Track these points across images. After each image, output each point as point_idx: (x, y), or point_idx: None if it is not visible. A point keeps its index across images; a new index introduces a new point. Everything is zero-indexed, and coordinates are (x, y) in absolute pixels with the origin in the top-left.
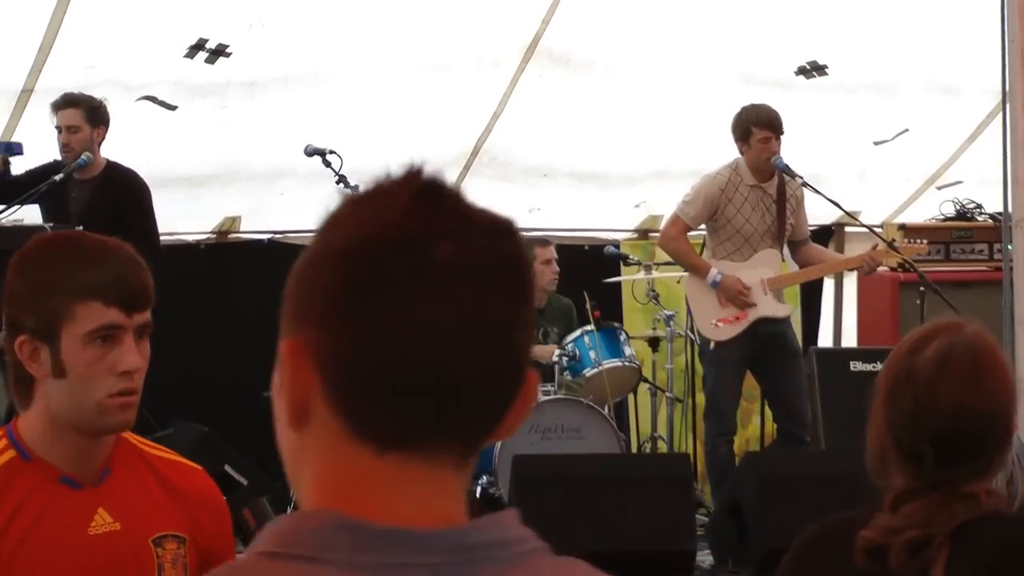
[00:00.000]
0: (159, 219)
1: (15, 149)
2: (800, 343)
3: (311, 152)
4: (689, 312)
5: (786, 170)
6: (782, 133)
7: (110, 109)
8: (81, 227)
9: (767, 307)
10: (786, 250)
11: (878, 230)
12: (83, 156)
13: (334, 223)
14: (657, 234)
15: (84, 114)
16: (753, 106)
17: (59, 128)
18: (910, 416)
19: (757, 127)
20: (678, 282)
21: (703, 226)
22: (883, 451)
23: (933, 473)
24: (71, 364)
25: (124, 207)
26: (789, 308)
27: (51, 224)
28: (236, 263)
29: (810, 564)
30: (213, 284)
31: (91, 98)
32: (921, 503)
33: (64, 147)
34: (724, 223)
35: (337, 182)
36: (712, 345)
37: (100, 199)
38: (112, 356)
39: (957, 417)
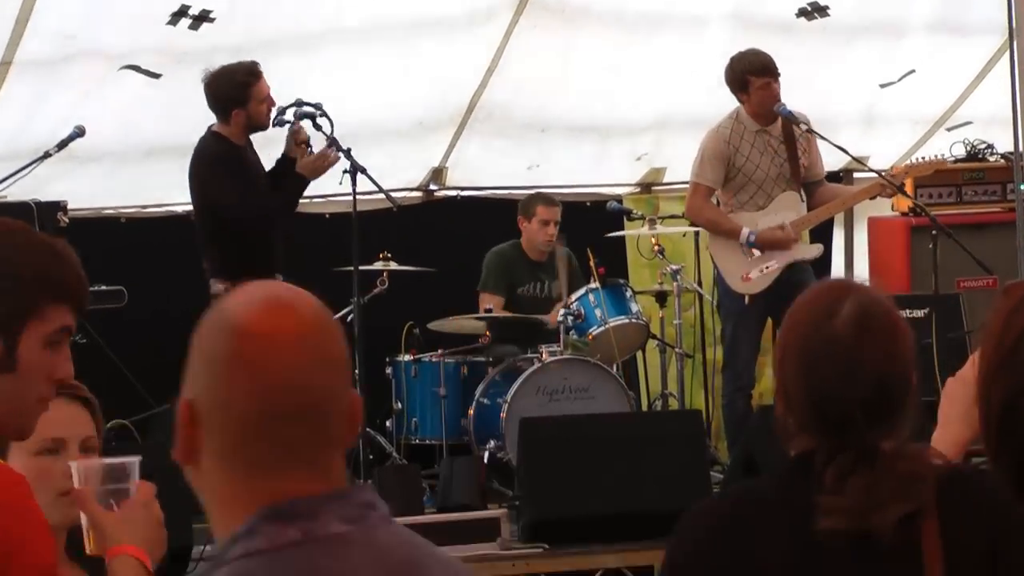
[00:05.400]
0: (146, 190)
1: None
2: None
3: (300, 115)
4: (717, 271)
5: (790, 116)
6: (779, 75)
7: (91, 78)
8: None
9: (798, 251)
10: None
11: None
12: (75, 128)
13: None
14: (660, 187)
15: None
16: (742, 54)
17: (268, 96)
18: (837, 383)
19: (754, 75)
20: (683, 236)
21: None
22: (797, 417)
23: (861, 435)
24: (25, 361)
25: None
26: (819, 248)
27: (36, 201)
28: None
29: (727, 549)
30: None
31: None
32: (865, 475)
33: (270, 111)
34: (735, 174)
35: (328, 145)
36: (747, 300)
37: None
38: (53, 360)
39: (882, 379)
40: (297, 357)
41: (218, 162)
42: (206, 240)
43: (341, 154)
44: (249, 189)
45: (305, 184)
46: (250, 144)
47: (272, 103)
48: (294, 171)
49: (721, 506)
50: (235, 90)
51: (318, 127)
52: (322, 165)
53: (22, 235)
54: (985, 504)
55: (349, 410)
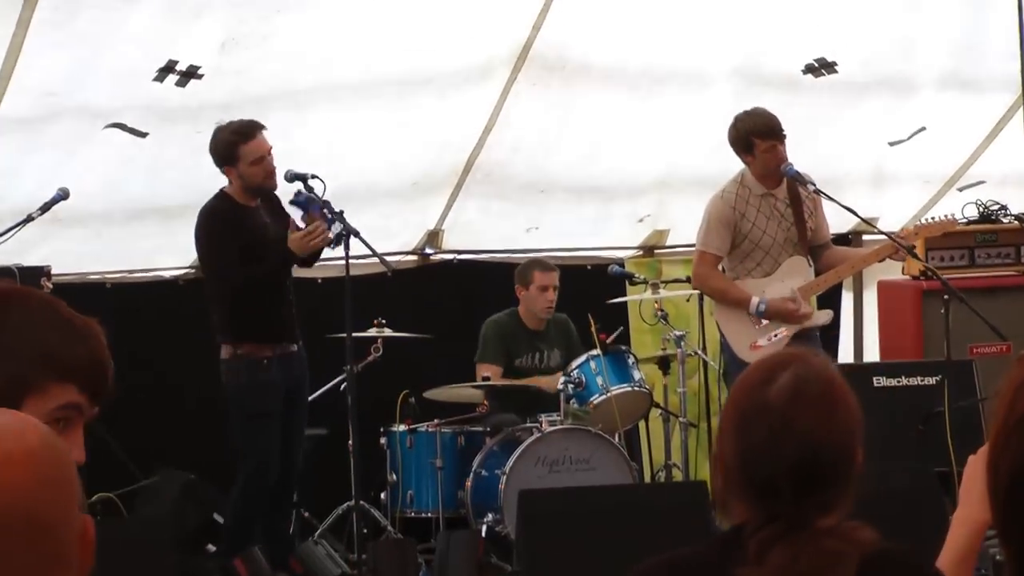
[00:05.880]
0: (133, 254)
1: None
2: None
3: (291, 177)
4: (723, 338)
5: (797, 177)
6: (785, 136)
7: (75, 137)
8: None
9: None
10: None
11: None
12: (58, 191)
13: None
14: (664, 249)
15: (265, 133)
16: (747, 115)
17: (260, 159)
18: (766, 449)
19: (759, 137)
20: (687, 300)
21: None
22: (732, 485)
23: (789, 508)
24: None
25: (284, 222)
26: (829, 314)
27: (18, 266)
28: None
29: None
30: (194, 322)
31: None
32: (787, 548)
33: (271, 174)
34: (742, 240)
35: (320, 208)
36: None
37: (273, 217)
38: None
39: (813, 447)
40: (21, 480)
41: (214, 222)
42: (211, 300)
43: (331, 233)
44: (236, 255)
45: (293, 258)
46: (267, 205)
47: (271, 165)
48: (283, 243)
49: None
50: (224, 149)
51: (310, 189)
52: (308, 243)
53: (45, 311)
54: None
55: (80, 533)
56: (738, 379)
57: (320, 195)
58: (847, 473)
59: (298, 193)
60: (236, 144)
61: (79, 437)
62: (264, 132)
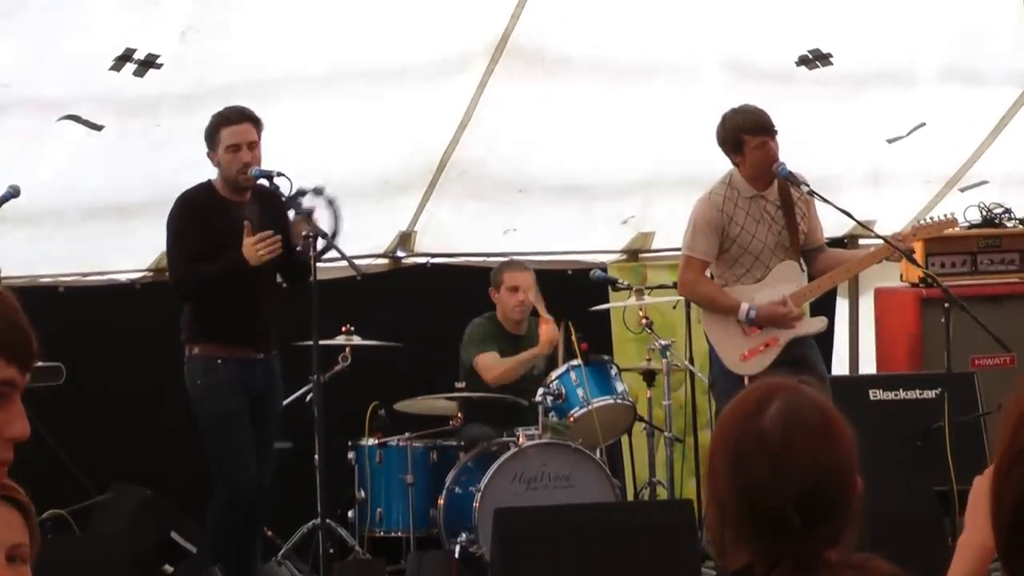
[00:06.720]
0: (87, 255)
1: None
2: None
3: (257, 175)
4: (712, 351)
5: (790, 177)
6: (776, 133)
7: (26, 130)
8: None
9: (800, 326)
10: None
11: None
12: (9, 188)
13: None
14: (649, 253)
15: (257, 129)
16: (736, 112)
17: (236, 146)
18: (768, 479)
19: (749, 134)
20: (674, 307)
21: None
22: (733, 524)
23: (796, 543)
24: None
25: (280, 223)
26: (823, 321)
27: None
28: (178, 305)
29: None
30: (151, 328)
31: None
32: None
33: (245, 167)
34: (729, 244)
35: (287, 207)
36: (746, 381)
37: (267, 217)
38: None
39: (816, 474)
40: None
41: (182, 209)
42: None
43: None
44: (194, 249)
45: (244, 264)
46: (256, 200)
47: (246, 158)
48: (237, 248)
49: None
50: (208, 130)
51: (275, 187)
52: (257, 251)
53: None
54: None
55: None
56: (723, 413)
57: (289, 193)
58: (850, 502)
59: (299, 192)
60: (218, 126)
61: (19, 409)
62: (252, 125)
